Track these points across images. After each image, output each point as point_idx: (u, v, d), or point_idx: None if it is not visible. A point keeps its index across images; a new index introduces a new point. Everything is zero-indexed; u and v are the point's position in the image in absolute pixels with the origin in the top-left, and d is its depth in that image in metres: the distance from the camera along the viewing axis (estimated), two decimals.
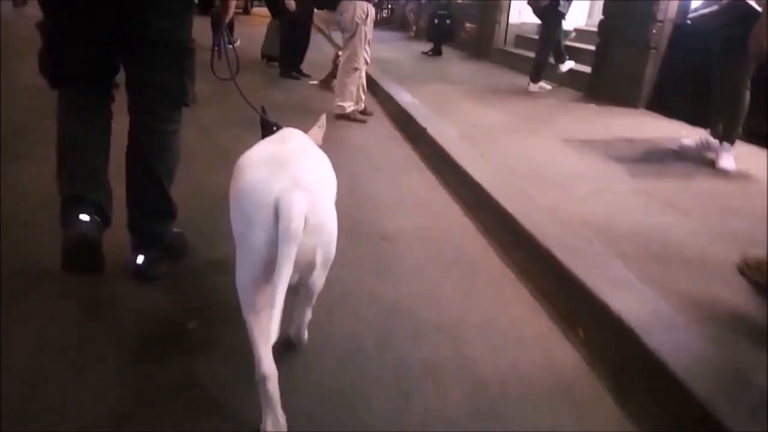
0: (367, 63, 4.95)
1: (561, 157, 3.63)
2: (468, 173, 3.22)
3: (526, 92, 6.06)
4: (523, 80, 6.81)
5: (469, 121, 4.57)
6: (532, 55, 7.73)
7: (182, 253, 2.22)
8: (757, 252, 2.12)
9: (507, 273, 2.33)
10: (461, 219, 2.89)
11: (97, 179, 1.89)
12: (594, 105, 5.32)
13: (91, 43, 1.83)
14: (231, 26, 2.92)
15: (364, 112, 5.13)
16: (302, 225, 1.18)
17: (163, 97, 1.96)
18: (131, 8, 1.81)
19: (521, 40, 8.66)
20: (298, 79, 7.04)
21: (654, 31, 4.82)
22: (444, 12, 9.03)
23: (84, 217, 1.75)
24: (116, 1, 1.78)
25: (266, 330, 1.18)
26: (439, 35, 9.15)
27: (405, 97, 5.45)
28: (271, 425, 1.33)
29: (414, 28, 13.05)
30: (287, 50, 7.08)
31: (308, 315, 1.65)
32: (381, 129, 4.84)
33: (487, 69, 8.05)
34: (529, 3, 5.87)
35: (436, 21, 9.02)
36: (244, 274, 1.31)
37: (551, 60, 6.08)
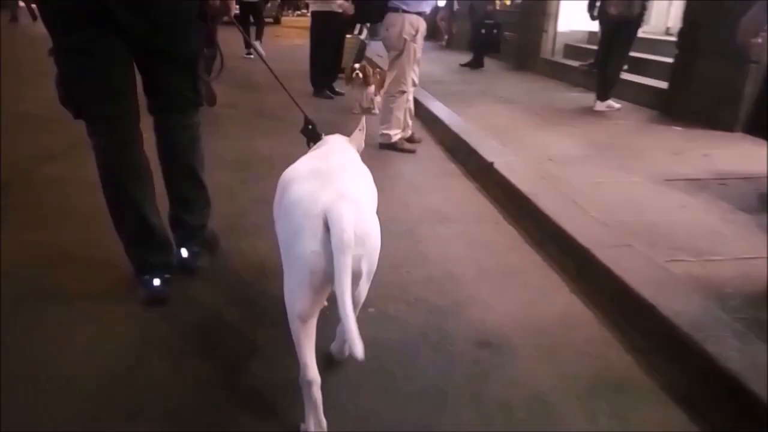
0: (415, 84, 4.30)
1: (673, 204, 2.91)
2: (566, 231, 2.52)
3: (591, 111, 5.33)
4: (581, 96, 6.10)
5: (538, 150, 3.88)
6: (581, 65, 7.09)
7: (218, 245, 2.42)
8: None
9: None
10: (574, 304, 2.19)
11: (159, 238, 2.09)
12: (678, 128, 4.57)
13: (108, 64, 1.86)
14: (212, 34, 2.53)
15: (411, 140, 4.48)
16: (353, 234, 1.21)
17: (180, 101, 2.10)
18: (140, 31, 1.86)
19: (571, 50, 7.93)
20: (331, 98, 6.43)
21: (760, 41, 4.05)
22: (491, 21, 8.32)
23: (156, 282, 2.03)
24: (125, 23, 1.81)
25: (311, 336, 1.34)
26: (485, 46, 8.45)
27: (455, 120, 4.78)
28: (314, 427, 1.40)
29: (446, 37, 12.38)
30: (318, 67, 6.47)
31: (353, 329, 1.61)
32: (434, 161, 4.17)
33: (536, 82, 7.33)
34: (602, 9, 5.06)
35: (483, 31, 8.32)
36: (291, 283, 1.34)
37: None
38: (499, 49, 8.44)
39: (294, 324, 1.35)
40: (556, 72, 7.55)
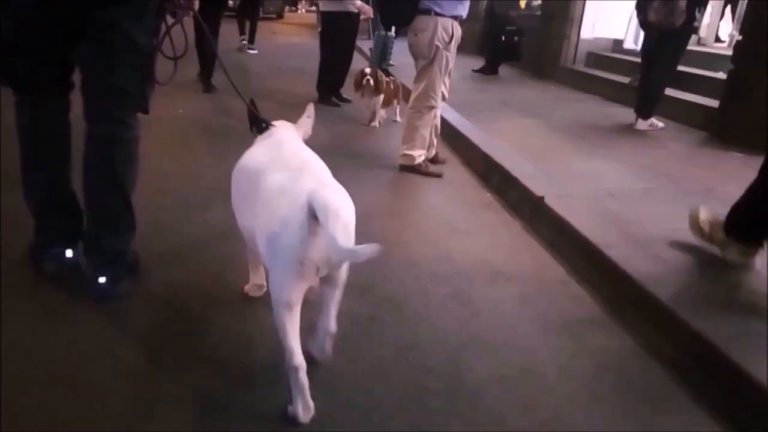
0: (444, 98, 3.73)
1: None
2: (667, 306, 1.96)
3: (632, 130, 4.77)
4: (611, 109, 5.56)
5: (589, 181, 3.32)
6: (608, 76, 6.56)
7: (136, 270, 2.12)
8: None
9: None
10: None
11: (70, 207, 2.01)
12: (739, 154, 4.02)
13: (49, 42, 1.80)
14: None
15: (435, 160, 3.91)
16: (338, 211, 1.29)
17: (123, 103, 1.88)
18: (93, 8, 1.75)
19: (594, 58, 7.38)
20: (338, 105, 5.83)
21: None
22: (513, 28, 7.73)
23: (69, 253, 2.01)
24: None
25: (296, 323, 1.38)
26: (503, 54, 7.87)
27: (483, 138, 4.20)
28: (302, 410, 1.44)
29: None
30: (326, 71, 5.87)
31: (333, 323, 1.60)
32: (465, 188, 3.60)
33: (559, 93, 6.76)
34: (651, 16, 4.45)
35: (503, 38, 7.73)
36: (279, 273, 1.38)
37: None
38: (520, 58, 7.85)
39: (280, 312, 1.37)
40: (578, 82, 6.99)
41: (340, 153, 4.07)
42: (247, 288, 2.02)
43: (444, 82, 3.55)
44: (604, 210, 2.83)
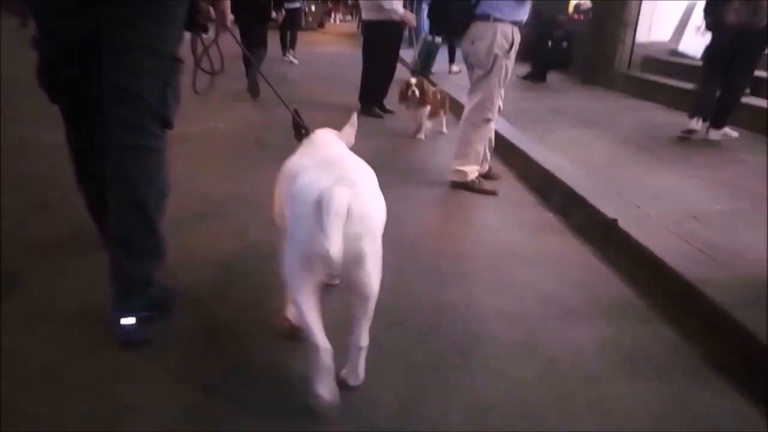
0: (499, 110, 3.45)
1: None
2: None
3: (703, 141, 4.38)
4: (673, 117, 5.15)
5: (667, 201, 2.98)
6: (667, 81, 6.14)
7: (168, 308, 1.87)
8: None
9: None
10: None
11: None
12: None
13: (75, 52, 1.77)
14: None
15: (488, 175, 3.63)
16: (343, 208, 1.25)
17: (143, 109, 1.70)
18: (115, 12, 1.69)
19: (650, 63, 6.96)
20: (381, 116, 5.62)
21: None
22: (561, 33, 7.38)
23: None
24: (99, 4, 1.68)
25: (315, 309, 1.41)
26: (551, 60, 7.53)
27: (539, 152, 3.90)
28: (326, 391, 1.44)
29: None
30: (368, 82, 5.68)
31: (364, 341, 1.54)
32: (523, 207, 3.31)
33: (614, 100, 6.38)
34: (731, 17, 4.06)
35: (550, 43, 7.39)
36: (290, 264, 1.41)
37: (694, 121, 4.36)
38: (569, 65, 7.49)
39: (297, 302, 1.43)
40: (633, 88, 6.59)
41: (386, 168, 3.83)
42: (288, 313, 1.81)
43: (500, 93, 3.28)
44: (689, 235, 2.50)
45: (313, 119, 1.94)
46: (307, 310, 1.40)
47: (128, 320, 1.70)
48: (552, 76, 7.81)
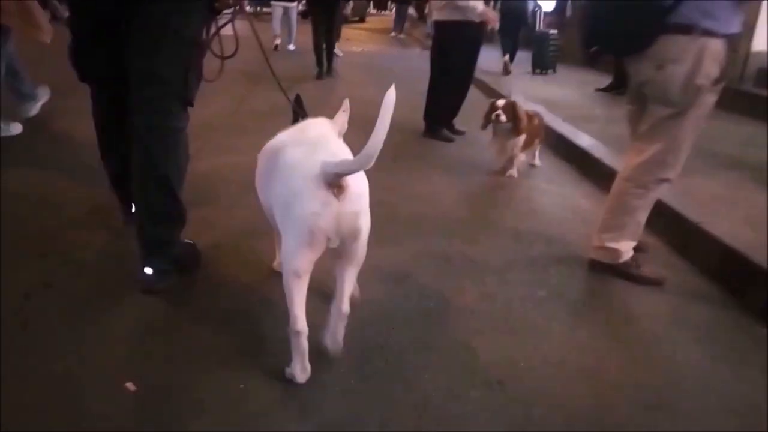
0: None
1: None
2: None
3: None
4: None
5: None
6: None
7: (192, 264, 2.20)
8: None
9: None
10: None
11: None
12: None
13: (105, 33, 1.90)
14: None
15: (638, 248, 2.52)
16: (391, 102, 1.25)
17: (167, 92, 1.89)
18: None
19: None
20: (451, 140, 4.57)
21: None
22: None
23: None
24: None
25: (303, 291, 1.47)
26: None
27: (688, 208, 2.79)
28: (299, 371, 1.56)
29: None
30: (436, 96, 4.63)
31: (346, 304, 1.59)
32: (712, 311, 2.22)
33: (734, 123, 5.16)
34: None
35: None
36: (290, 243, 1.44)
37: None
38: None
39: (289, 280, 1.46)
40: (746, 106, 5.38)
41: (471, 224, 2.81)
42: (274, 264, 2.16)
43: (690, 144, 2.19)
44: None
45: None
46: (296, 293, 1.47)
47: (149, 271, 1.98)
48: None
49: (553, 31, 8.44)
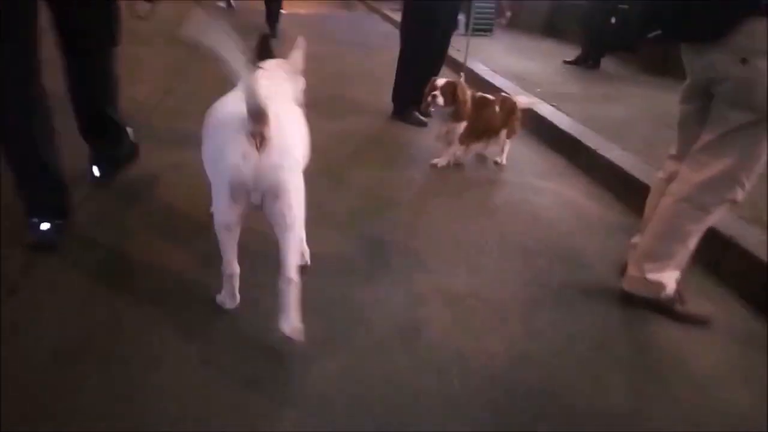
0: None
1: None
2: None
3: None
4: None
5: None
6: None
7: (133, 157, 2.63)
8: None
9: None
10: None
11: (53, 179, 2.02)
12: None
13: None
14: None
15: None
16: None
17: (94, 41, 2.17)
18: None
19: None
20: (424, 124, 4.03)
21: None
22: (625, 6, 5.79)
23: (45, 226, 2.00)
24: None
25: (234, 240, 1.56)
26: (611, 41, 5.98)
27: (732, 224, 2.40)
28: (229, 299, 1.74)
29: (508, 14, 9.82)
30: (406, 74, 4.05)
31: (292, 271, 1.52)
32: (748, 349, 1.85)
33: None
34: None
35: (613, 19, 5.80)
36: (216, 195, 1.49)
37: None
38: (637, 46, 5.97)
39: (219, 232, 1.54)
40: None
41: (469, 247, 2.31)
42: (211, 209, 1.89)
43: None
44: None
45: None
46: (227, 241, 1.56)
47: (97, 169, 2.49)
48: (606, 63, 6.28)
49: None
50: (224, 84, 1.57)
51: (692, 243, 1.89)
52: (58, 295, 1.83)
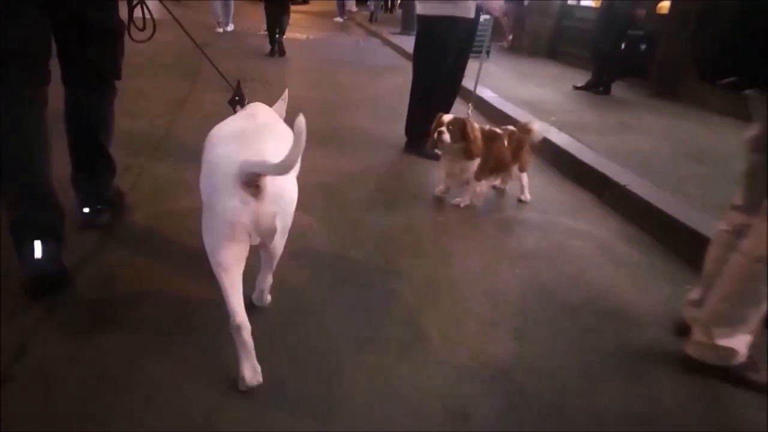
0: None
1: None
2: None
3: None
4: None
5: None
6: None
7: (122, 203, 2.59)
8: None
9: None
10: None
11: (48, 196, 1.93)
12: None
13: (29, 23, 1.86)
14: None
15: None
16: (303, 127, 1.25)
17: (99, 75, 2.20)
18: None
19: None
20: (437, 158, 3.83)
21: None
22: (639, 32, 5.69)
23: (38, 251, 1.84)
24: None
25: (237, 285, 1.45)
26: (622, 67, 5.87)
27: None
28: (249, 373, 1.49)
29: (510, 37, 9.75)
30: (419, 106, 3.89)
31: (269, 279, 1.83)
32: None
33: (729, 126, 4.73)
34: None
35: (623, 45, 5.70)
36: (212, 236, 1.45)
37: None
38: (649, 73, 5.85)
39: (218, 274, 1.45)
40: (733, 107, 4.93)
41: (509, 307, 2.09)
42: None
43: None
44: None
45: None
46: (229, 286, 1.43)
47: (87, 210, 2.37)
48: (617, 89, 6.16)
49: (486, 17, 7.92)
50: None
51: (765, 302, 1.69)
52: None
